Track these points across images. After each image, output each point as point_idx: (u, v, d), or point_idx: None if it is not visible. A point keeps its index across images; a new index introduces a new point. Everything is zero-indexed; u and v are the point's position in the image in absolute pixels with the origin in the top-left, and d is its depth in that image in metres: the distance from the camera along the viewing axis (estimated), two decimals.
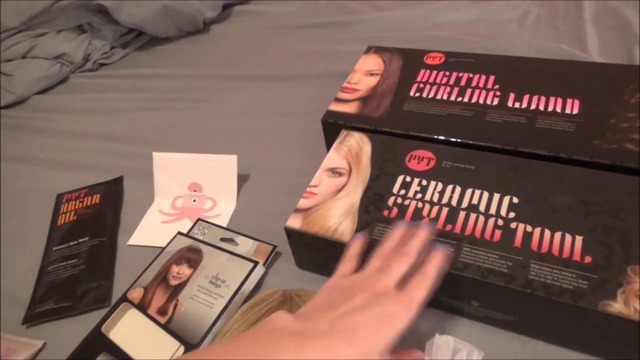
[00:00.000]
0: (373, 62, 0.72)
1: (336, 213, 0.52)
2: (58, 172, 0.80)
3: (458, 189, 0.52)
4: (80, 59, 1.03)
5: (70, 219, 0.69)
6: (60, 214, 0.71)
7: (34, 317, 0.59)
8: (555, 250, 0.45)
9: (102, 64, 1.06)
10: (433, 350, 0.39)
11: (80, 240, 0.66)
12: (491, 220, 0.48)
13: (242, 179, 0.70)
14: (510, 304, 0.45)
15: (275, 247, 0.59)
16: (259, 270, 0.56)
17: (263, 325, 0.39)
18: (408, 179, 0.54)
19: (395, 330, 0.39)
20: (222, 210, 0.67)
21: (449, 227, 0.48)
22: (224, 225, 0.65)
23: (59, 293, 0.60)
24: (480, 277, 0.44)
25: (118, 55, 1.07)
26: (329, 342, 0.36)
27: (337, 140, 0.60)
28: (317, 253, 0.53)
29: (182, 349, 0.51)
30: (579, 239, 0.45)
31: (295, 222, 0.53)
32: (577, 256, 0.44)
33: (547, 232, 0.46)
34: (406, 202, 0.52)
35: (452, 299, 0.48)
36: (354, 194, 0.54)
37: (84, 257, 0.63)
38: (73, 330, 0.57)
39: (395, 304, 0.39)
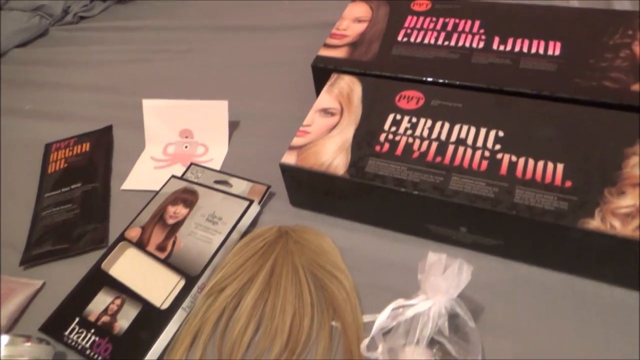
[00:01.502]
0: (360, 10, 0.73)
1: (330, 149, 0.54)
2: (45, 123, 0.79)
3: (447, 125, 0.54)
4: (59, 11, 1.00)
5: (61, 167, 0.69)
6: (50, 162, 0.71)
7: (31, 258, 0.60)
8: (538, 176, 0.47)
9: (82, 17, 1.04)
10: (426, 267, 0.42)
11: (72, 187, 0.66)
12: (478, 152, 0.51)
13: (232, 126, 0.71)
14: (496, 227, 0.48)
15: (269, 186, 0.61)
16: (254, 208, 0.58)
17: None
18: (398, 117, 0.56)
19: None
20: (214, 155, 0.68)
21: (438, 159, 0.51)
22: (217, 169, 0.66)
23: (55, 236, 0.61)
24: (468, 202, 0.47)
25: (98, 8, 1.05)
26: None
27: (328, 83, 0.62)
28: (312, 189, 0.55)
29: (182, 281, 0.52)
30: (560, 166, 0.48)
31: (290, 158, 0.54)
32: (558, 181, 0.47)
33: (531, 161, 0.49)
34: (397, 137, 0.54)
35: (442, 227, 0.51)
36: (346, 132, 0.56)
37: (77, 202, 0.64)
38: (71, 271, 0.58)
39: None
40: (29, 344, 0.47)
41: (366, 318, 0.48)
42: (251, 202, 0.58)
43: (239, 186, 0.62)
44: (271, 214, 0.60)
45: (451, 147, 0.52)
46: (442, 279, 0.40)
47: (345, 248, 0.54)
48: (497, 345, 0.44)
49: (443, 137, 0.53)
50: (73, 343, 0.50)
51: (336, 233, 0.56)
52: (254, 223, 0.59)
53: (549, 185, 0.46)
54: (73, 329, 0.51)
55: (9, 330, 0.54)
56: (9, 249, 0.62)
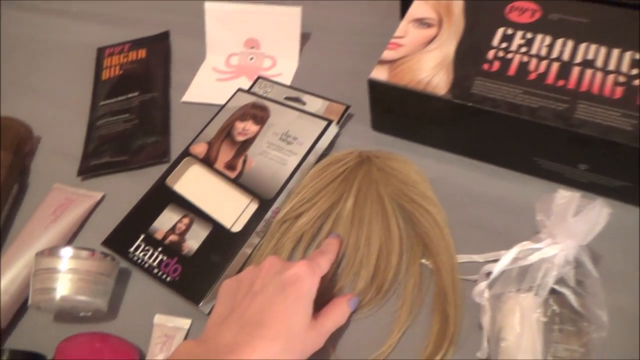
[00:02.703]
0: None
1: (428, 65, 0.47)
2: (95, 25, 0.73)
3: (570, 43, 0.46)
4: None
5: (116, 73, 0.64)
6: (104, 68, 0.65)
7: (89, 169, 0.56)
8: None
9: None
10: (554, 207, 0.36)
11: (129, 95, 0.61)
12: (611, 77, 0.43)
13: (303, 38, 0.63)
14: (626, 166, 0.41)
15: (348, 106, 0.54)
16: (333, 129, 0.52)
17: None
18: (509, 31, 0.48)
19: (303, 295, 0.35)
20: (283, 69, 0.61)
21: (561, 82, 0.43)
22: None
23: (113, 147, 0.57)
24: (600, 134, 0.40)
25: None
26: (239, 352, 0.32)
27: None
28: (402, 110, 0.49)
29: (255, 203, 0.48)
30: None
31: (380, 73, 0.47)
32: None
33: None
34: (509, 55, 0.46)
35: (556, 162, 0.44)
36: (446, 46, 0.48)
37: (135, 112, 0.59)
38: (132, 185, 0.54)
39: (294, 269, 0.36)
40: (93, 257, 0.44)
41: (461, 258, 0.43)
42: (330, 122, 0.52)
43: (314, 104, 0.55)
44: (350, 137, 0.54)
45: (577, 69, 0.44)
46: (579, 221, 0.34)
47: (435, 180, 0.48)
48: (613, 299, 0.39)
49: (566, 57, 0.45)
50: (139, 260, 0.47)
51: (425, 163, 0.49)
52: (330, 146, 0.53)
53: None
54: (138, 246, 0.47)
55: (68, 243, 0.51)
56: (65, 158, 0.58)
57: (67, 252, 0.43)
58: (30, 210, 0.53)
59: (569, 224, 0.34)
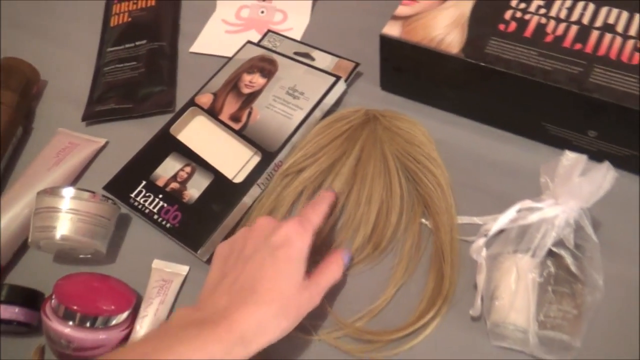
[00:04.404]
0: None
1: (442, 23, 0.46)
2: None
3: (591, 6, 0.44)
4: None
5: (124, 20, 0.63)
6: (113, 14, 0.64)
7: (94, 114, 0.55)
8: None
9: None
10: (560, 168, 0.35)
11: (137, 43, 0.60)
12: (630, 42, 0.41)
13: None
14: (636, 134, 0.40)
15: (358, 64, 0.53)
16: (341, 85, 0.51)
17: (162, 326, 0.34)
18: None
19: (294, 257, 0.34)
20: (294, 24, 0.60)
21: (578, 46, 0.42)
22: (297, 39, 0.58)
23: (119, 94, 0.56)
24: (614, 100, 0.39)
25: None
26: (233, 317, 0.32)
27: None
28: (413, 69, 0.48)
29: (258, 156, 0.47)
30: None
31: (393, 29, 0.46)
32: None
33: None
34: (526, 16, 0.44)
35: (565, 128, 0.43)
36: (463, 5, 0.46)
37: (143, 61, 0.58)
38: (136, 132, 0.54)
39: (283, 230, 0.35)
40: (94, 200, 0.44)
41: (461, 219, 0.43)
42: (338, 78, 0.51)
43: (323, 60, 0.54)
44: (357, 95, 0.53)
45: (595, 34, 0.42)
46: (584, 182, 0.33)
47: (441, 141, 0.47)
48: (611, 269, 0.38)
49: (585, 20, 0.43)
50: (140, 206, 0.47)
51: (431, 124, 0.49)
52: (337, 103, 0.52)
53: None
54: (140, 192, 0.47)
55: (70, 186, 0.51)
56: (70, 103, 0.58)
57: (68, 192, 0.44)
58: (33, 154, 0.53)
59: (574, 184, 0.34)
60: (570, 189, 0.34)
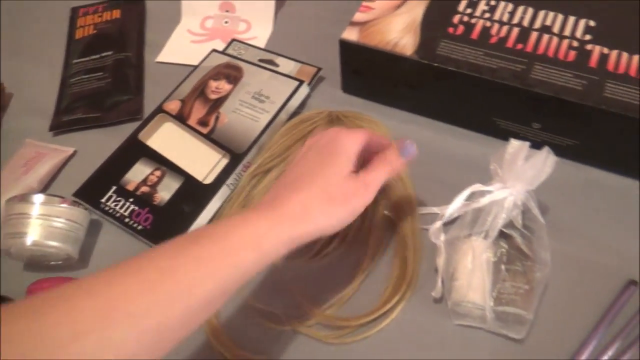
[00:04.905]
0: None
1: (396, 28, 0.49)
2: None
3: (530, 10, 0.48)
4: None
5: (90, 32, 0.64)
6: (78, 27, 0.65)
7: (61, 124, 0.56)
8: (633, 71, 0.43)
9: None
10: (506, 155, 0.38)
11: (103, 54, 0.61)
12: (565, 42, 0.45)
13: (278, 3, 0.64)
14: (576, 125, 0.44)
15: (319, 68, 0.56)
16: (304, 89, 0.53)
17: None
18: None
19: (338, 150, 0.35)
20: (258, 33, 0.62)
21: (519, 46, 0.46)
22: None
23: (86, 104, 0.57)
24: (553, 93, 0.42)
25: None
26: (276, 202, 0.33)
27: None
28: (371, 72, 0.51)
29: (226, 158, 0.49)
30: None
31: (351, 34, 0.49)
32: None
33: (625, 55, 0.44)
34: (473, 20, 0.48)
35: (512, 121, 0.47)
36: (415, 11, 0.50)
37: (109, 71, 0.59)
38: (104, 141, 0.54)
39: (333, 130, 0.37)
40: (65, 205, 0.45)
41: (421, 210, 0.46)
42: (301, 82, 0.53)
43: (287, 66, 0.57)
44: (320, 99, 0.55)
45: (534, 35, 0.46)
46: (528, 166, 0.37)
47: None
48: (558, 247, 0.42)
49: (526, 23, 0.47)
50: (110, 210, 0.47)
51: (391, 124, 0.51)
52: (302, 106, 0.54)
53: None
54: (110, 197, 0.48)
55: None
56: (36, 115, 0.58)
57: (38, 198, 0.44)
58: (0, 166, 0.53)
59: (518, 169, 0.37)
60: (516, 173, 0.37)
